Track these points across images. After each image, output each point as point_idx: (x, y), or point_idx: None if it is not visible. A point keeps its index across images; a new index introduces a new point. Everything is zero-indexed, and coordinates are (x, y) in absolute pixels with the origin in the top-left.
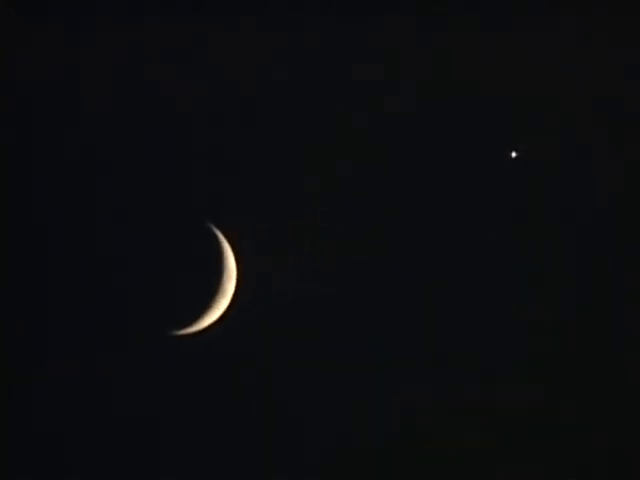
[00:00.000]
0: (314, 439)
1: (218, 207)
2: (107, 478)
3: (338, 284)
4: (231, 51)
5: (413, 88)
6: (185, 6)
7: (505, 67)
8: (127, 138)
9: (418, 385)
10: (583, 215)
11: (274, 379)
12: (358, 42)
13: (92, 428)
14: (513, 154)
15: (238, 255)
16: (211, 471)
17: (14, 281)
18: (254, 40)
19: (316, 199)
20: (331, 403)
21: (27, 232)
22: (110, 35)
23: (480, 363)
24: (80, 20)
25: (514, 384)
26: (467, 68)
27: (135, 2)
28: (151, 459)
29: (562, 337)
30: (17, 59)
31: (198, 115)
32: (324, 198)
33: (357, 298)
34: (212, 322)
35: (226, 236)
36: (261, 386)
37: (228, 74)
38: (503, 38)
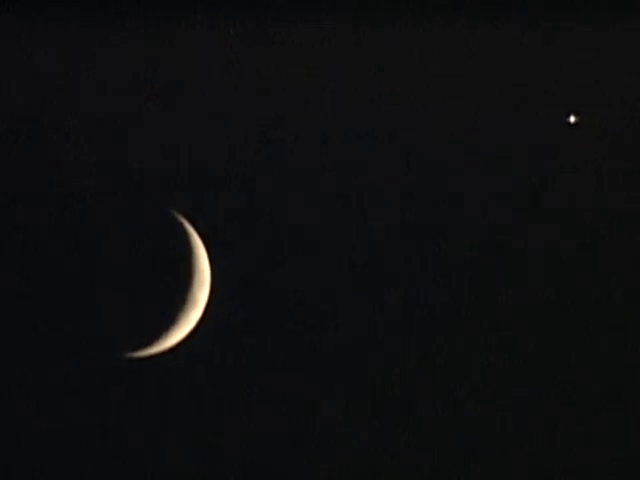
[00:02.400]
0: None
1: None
2: None
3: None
4: (231, 51)
5: (415, 86)
6: (185, 6)
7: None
8: (127, 139)
9: (418, 385)
10: (584, 214)
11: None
12: (360, 42)
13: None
14: (572, 119)
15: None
16: None
17: None
18: (254, 40)
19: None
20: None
21: None
22: (109, 35)
23: (480, 363)
24: (79, 20)
25: (514, 385)
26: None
27: (135, 2)
28: None
29: (562, 337)
30: (17, 59)
31: (197, 114)
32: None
33: (357, 302)
34: (178, 341)
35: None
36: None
37: (228, 73)
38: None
